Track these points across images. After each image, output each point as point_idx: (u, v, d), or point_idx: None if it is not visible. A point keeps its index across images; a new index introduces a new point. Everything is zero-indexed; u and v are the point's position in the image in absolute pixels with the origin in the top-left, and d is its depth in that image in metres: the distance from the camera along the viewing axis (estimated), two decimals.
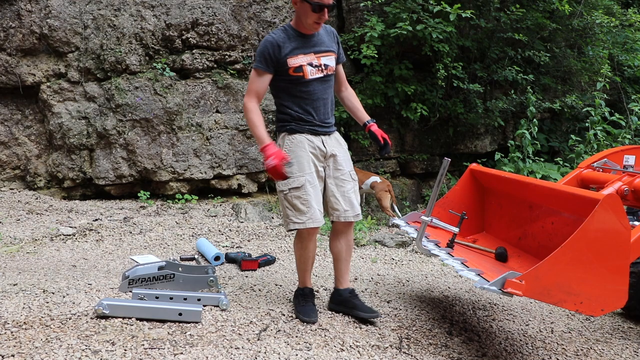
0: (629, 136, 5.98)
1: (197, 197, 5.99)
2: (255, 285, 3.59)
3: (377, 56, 5.92)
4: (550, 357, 3.02)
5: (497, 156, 6.24)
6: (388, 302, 3.54)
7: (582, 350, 3.15)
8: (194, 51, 6.02)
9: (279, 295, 3.44)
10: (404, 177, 7.05)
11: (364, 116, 3.18)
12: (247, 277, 3.82)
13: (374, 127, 3.11)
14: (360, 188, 6.03)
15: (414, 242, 4.73)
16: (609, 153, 3.77)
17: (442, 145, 7.02)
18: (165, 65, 5.88)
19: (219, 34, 6.07)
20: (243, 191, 6.25)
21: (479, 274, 2.58)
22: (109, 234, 4.64)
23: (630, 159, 3.66)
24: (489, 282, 2.36)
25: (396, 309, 3.44)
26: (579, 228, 2.34)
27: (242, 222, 5.39)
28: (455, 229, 3.16)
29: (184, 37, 5.94)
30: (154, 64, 5.83)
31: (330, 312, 3.20)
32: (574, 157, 5.93)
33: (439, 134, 6.94)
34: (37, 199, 5.68)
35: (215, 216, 5.51)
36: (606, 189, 3.24)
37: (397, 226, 3.87)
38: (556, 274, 2.36)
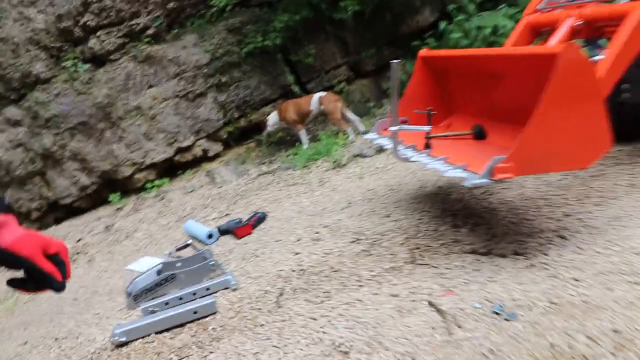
0: None
1: (167, 179, 5.80)
2: (257, 250, 3.54)
3: None
4: (554, 212, 3.06)
5: (443, 25, 5.99)
6: (388, 217, 3.53)
7: (582, 193, 3.20)
8: (98, 34, 5.51)
9: (282, 252, 3.40)
10: (359, 79, 6.83)
11: None
12: (246, 244, 3.76)
13: None
14: (309, 112, 5.79)
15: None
16: None
17: (385, 33, 6.72)
18: (75, 60, 5.40)
19: (116, 4, 5.53)
20: (209, 155, 6.05)
21: (464, 169, 2.51)
22: (97, 251, 4.51)
23: None
24: (477, 175, 2.31)
25: (397, 220, 3.43)
26: (545, 91, 2.25)
27: (220, 187, 5.25)
28: (427, 127, 3.06)
29: (81, 23, 5.40)
30: (63, 64, 5.36)
31: (337, 251, 3.17)
32: None
33: (378, 23, 6.61)
34: None
35: (192, 191, 5.36)
36: (557, 33, 3.10)
37: (370, 141, 3.77)
38: (538, 143, 2.30)
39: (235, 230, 3.89)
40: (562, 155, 2.37)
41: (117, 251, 4.37)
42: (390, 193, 4.01)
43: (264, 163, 5.85)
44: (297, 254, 3.31)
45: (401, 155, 3.03)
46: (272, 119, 5.95)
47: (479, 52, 3.11)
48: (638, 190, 3.11)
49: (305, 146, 5.82)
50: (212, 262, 3.30)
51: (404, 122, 3.54)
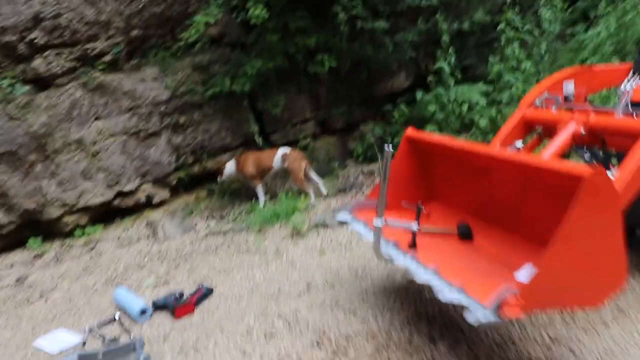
0: (545, 43, 5.75)
1: (101, 226, 5.11)
2: (197, 341, 2.99)
3: (267, 15, 5.08)
4: (540, 334, 2.74)
5: (419, 96, 5.80)
6: (354, 314, 3.09)
7: (566, 313, 2.90)
8: (45, 53, 4.88)
9: (228, 348, 2.87)
10: (326, 136, 6.50)
11: None
12: (185, 328, 3.19)
13: None
14: (271, 167, 5.36)
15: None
16: (549, 85, 3.40)
17: (358, 92, 6.47)
18: (14, 80, 4.73)
19: (72, 24, 4.94)
20: (154, 201, 5.43)
21: (461, 290, 2.13)
22: (1, 312, 3.77)
23: (569, 88, 3.32)
24: (482, 309, 1.93)
25: (365, 320, 3.00)
26: (566, 219, 1.93)
27: (162, 243, 4.65)
28: (415, 226, 2.69)
29: (27, 40, 4.76)
30: None
31: (295, 358, 2.68)
32: (494, 77, 5.63)
33: (352, 82, 6.36)
34: None
35: (129, 244, 4.71)
36: (559, 137, 2.87)
37: (345, 224, 3.35)
38: (555, 277, 1.96)
39: (175, 309, 3.31)
40: (577, 289, 2.05)
41: (26, 315, 3.66)
42: (355, 279, 3.59)
43: (214, 217, 5.31)
44: (246, 354, 2.78)
45: (384, 255, 2.63)
46: (229, 168, 5.47)
47: (478, 148, 2.81)
48: (628, 317, 2.85)
49: (261, 204, 5.34)
50: (143, 357, 2.72)
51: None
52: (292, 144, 5.99)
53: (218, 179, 5.57)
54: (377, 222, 2.61)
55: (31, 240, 4.84)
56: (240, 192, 5.80)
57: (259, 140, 5.85)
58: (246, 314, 3.23)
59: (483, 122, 5.49)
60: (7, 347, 3.27)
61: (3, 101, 4.66)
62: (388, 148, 2.46)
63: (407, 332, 2.85)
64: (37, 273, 4.32)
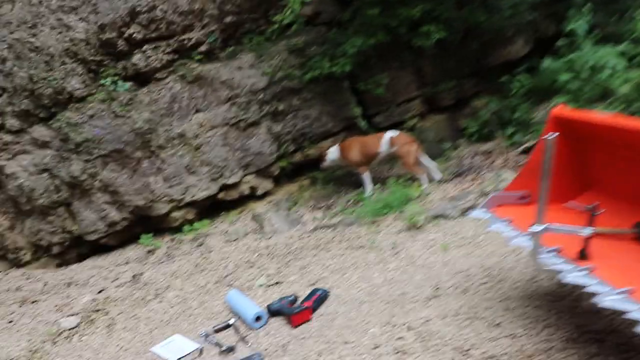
0: None
1: (208, 221, 5.04)
2: (320, 354, 2.69)
3: None
4: None
5: (546, 63, 5.03)
6: (498, 326, 2.64)
7: None
8: (144, 48, 4.82)
9: None
10: (433, 115, 5.95)
11: None
12: (303, 337, 2.91)
13: None
14: (377, 153, 4.95)
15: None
16: None
17: (468, 64, 5.84)
18: (116, 78, 4.72)
19: (167, 16, 4.83)
20: (258, 193, 5.27)
21: None
22: (119, 312, 3.76)
23: None
24: None
25: (513, 336, 2.53)
26: None
27: (269, 237, 4.44)
28: (588, 230, 2.14)
29: (126, 35, 4.72)
30: (102, 81, 4.68)
31: None
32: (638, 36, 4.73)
33: (461, 53, 5.73)
34: (27, 278, 4.78)
35: (236, 240, 4.57)
36: None
37: (483, 220, 2.87)
38: None
39: (292, 317, 3.05)
40: None
41: (143, 317, 3.61)
42: (490, 282, 3.10)
43: (319, 208, 5.03)
44: None
45: (543, 264, 2.14)
46: (333, 154, 5.15)
47: None
48: None
49: (368, 193, 4.97)
50: None
51: (525, 197, 2.72)
52: (397, 125, 5.55)
53: (321, 166, 5.30)
54: (536, 227, 2.13)
55: (143, 237, 4.88)
56: (345, 180, 5.47)
57: (362, 123, 5.46)
58: (369, 323, 2.88)
59: (625, 89, 4.65)
60: (127, 351, 3.21)
61: (107, 99, 4.68)
62: (547, 138, 1.99)
63: (573, 354, 2.33)
64: (151, 270, 4.31)
